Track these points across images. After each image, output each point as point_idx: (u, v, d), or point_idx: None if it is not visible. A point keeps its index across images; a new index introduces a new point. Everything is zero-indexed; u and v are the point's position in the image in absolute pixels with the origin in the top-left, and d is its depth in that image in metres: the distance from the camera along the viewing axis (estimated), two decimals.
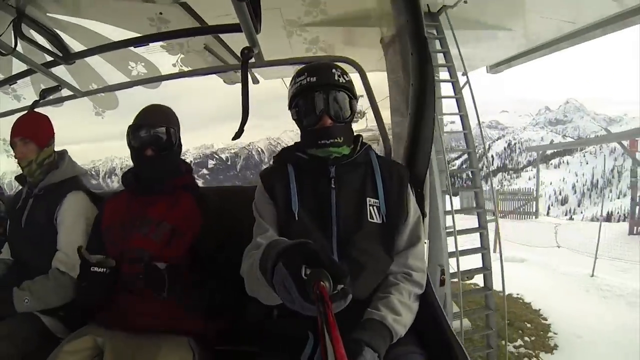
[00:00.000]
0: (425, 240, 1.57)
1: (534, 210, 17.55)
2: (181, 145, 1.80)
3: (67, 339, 1.52)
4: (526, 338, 5.40)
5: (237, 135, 1.57)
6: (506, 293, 5.37)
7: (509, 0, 3.98)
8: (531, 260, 9.06)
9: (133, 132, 1.69)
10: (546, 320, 5.94)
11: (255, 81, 6.04)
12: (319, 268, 0.78)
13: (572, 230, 11.50)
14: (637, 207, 12.90)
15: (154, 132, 1.68)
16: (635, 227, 12.30)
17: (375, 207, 1.44)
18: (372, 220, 1.43)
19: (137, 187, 1.76)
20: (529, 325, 5.77)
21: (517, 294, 6.82)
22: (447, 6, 4.06)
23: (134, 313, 1.56)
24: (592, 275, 7.66)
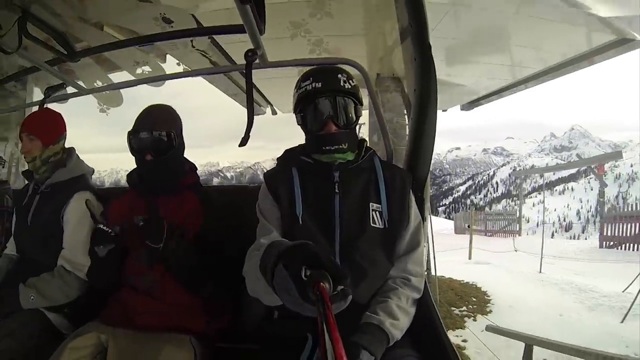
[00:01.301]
0: (425, 244, 1.56)
1: (517, 229, 20.54)
2: (183, 145, 1.80)
3: (71, 335, 1.52)
4: (470, 306, 7.39)
5: (244, 141, 1.55)
6: (465, 282, 8.94)
7: (457, 59, 4.61)
8: (495, 263, 11.41)
9: (132, 137, 1.69)
10: (489, 297, 7.85)
11: (274, 112, 6.44)
12: (319, 269, 0.77)
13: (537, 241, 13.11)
14: (605, 225, 14.40)
15: (152, 136, 1.67)
16: (604, 242, 14.00)
17: (377, 212, 1.43)
18: (374, 225, 1.41)
19: (142, 188, 1.77)
20: (474, 299, 7.78)
21: (472, 282, 8.98)
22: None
23: (138, 311, 1.58)
24: (540, 272, 9.85)
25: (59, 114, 2.01)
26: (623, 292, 7.22)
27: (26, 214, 1.90)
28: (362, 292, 1.38)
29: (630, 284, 7.13)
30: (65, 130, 2.00)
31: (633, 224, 13.08)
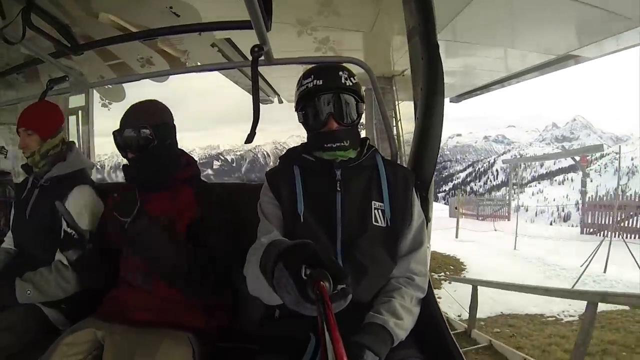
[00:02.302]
0: (428, 245, 1.54)
1: (507, 214, 22.35)
2: (170, 139, 1.73)
3: (67, 331, 1.49)
4: (447, 272, 9.67)
5: (250, 138, 1.50)
6: (447, 254, 11.41)
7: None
8: (477, 241, 14.13)
9: (116, 136, 1.66)
10: (465, 266, 10.27)
11: (280, 101, 7.01)
12: (319, 268, 0.77)
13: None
14: (586, 213, 16.18)
15: (132, 134, 1.63)
16: (585, 229, 15.75)
17: (380, 211, 1.41)
18: (376, 224, 1.40)
19: (136, 184, 1.74)
20: (452, 267, 10.24)
21: (453, 255, 11.38)
22: (395, 75, 6.16)
23: (135, 307, 1.56)
24: (515, 249, 12.15)
25: (56, 106, 1.98)
26: (580, 266, 8.90)
27: (25, 208, 1.88)
28: (364, 291, 1.37)
29: (586, 261, 8.93)
30: (63, 122, 1.98)
31: (610, 213, 14.62)
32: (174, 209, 1.62)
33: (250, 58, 1.49)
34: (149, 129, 1.63)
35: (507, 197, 24.14)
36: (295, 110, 1.52)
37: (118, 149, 1.67)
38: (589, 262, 8.65)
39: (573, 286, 7.65)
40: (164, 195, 1.66)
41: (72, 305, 1.78)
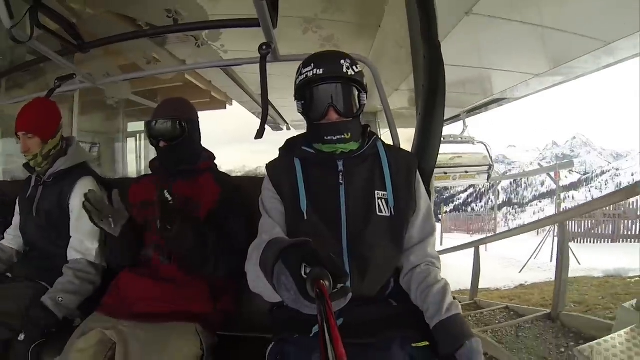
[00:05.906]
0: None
1: (493, 228, 24.43)
2: (198, 133, 1.86)
3: (74, 334, 1.52)
4: None
5: (259, 134, 1.56)
6: None
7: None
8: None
9: (148, 126, 1.75)
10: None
11: (288, 128, 7.80)
12: (318, 267, 0.77)
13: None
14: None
15: (164, 125, 1.73)
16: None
17: (383, 200, 1.38)
18: (381, 214, 1.37)
19: (161, 172, 1.84)
20: None
21: None
22: (378, 111, 6.79)
23: (137, 298, 1.60)
24: (486, 251, 12.15)
25: (53, 103, 2.00)
26: (533, 258, 11.11)
27: (31, 206, 1.91)
28: (371, 284, 1.36)
29: (536, 254, 11.29)
30: (62, 119, 1.99)
31: (583, 222, 16.01)
32: (197, 192, 1.74)
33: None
34: (182, 121, 1.75)
35: (494, 213, 28.31)
36: (295, 99, 1.47)
37: (150, 137, 1.77)
38: (536, 254, 11.23)
39: (520, 271, 10.18)
40: (187, 183, 1.76)
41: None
